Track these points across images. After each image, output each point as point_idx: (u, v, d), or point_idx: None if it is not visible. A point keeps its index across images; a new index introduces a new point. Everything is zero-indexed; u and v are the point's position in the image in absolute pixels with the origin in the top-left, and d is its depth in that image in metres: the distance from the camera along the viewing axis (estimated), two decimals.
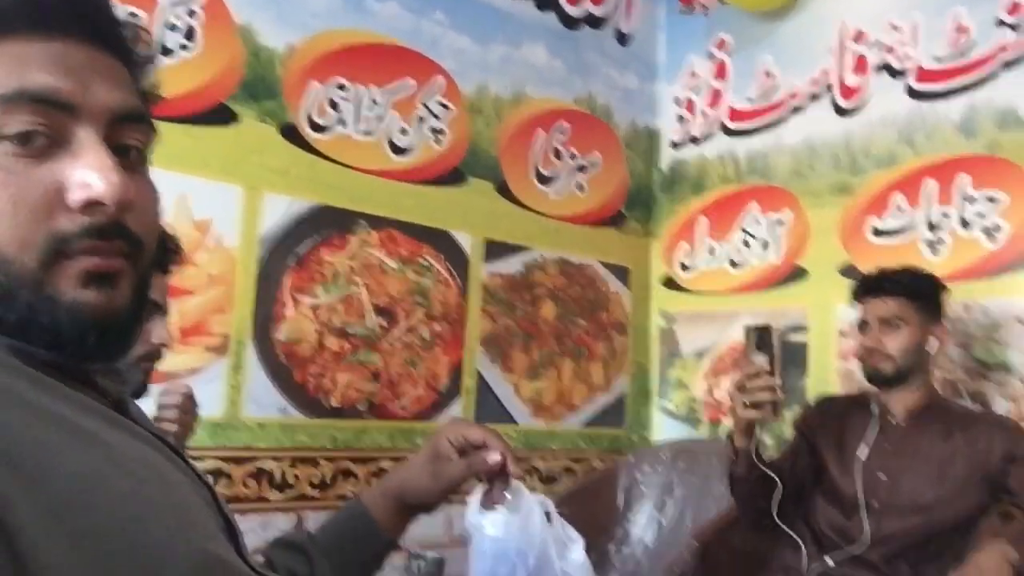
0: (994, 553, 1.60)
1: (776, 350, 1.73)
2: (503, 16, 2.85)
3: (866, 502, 1.87)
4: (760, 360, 1.71)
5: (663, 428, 3.08)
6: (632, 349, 3.14)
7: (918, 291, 1.94)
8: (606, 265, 3.09)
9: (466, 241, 2.70)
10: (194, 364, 2.16)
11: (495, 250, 2.78)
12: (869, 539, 1.82)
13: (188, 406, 1.46)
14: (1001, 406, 2.24)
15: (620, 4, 3.17)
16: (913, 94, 2.55)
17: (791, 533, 1.89)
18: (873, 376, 1.95)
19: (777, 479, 1.81)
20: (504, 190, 2.82)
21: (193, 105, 2.21)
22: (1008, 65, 2.36)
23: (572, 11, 3.03)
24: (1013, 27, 2.35)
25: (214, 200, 2.23)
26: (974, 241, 2.37)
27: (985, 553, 1.61)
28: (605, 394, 3.05)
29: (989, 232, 2.35)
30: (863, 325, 1.98)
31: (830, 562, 1.83)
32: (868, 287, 2.00)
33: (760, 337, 1.73)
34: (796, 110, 2.85)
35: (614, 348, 3.09)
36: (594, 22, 3.10)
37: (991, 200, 2.35)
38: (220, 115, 2.26)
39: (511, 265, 2.83)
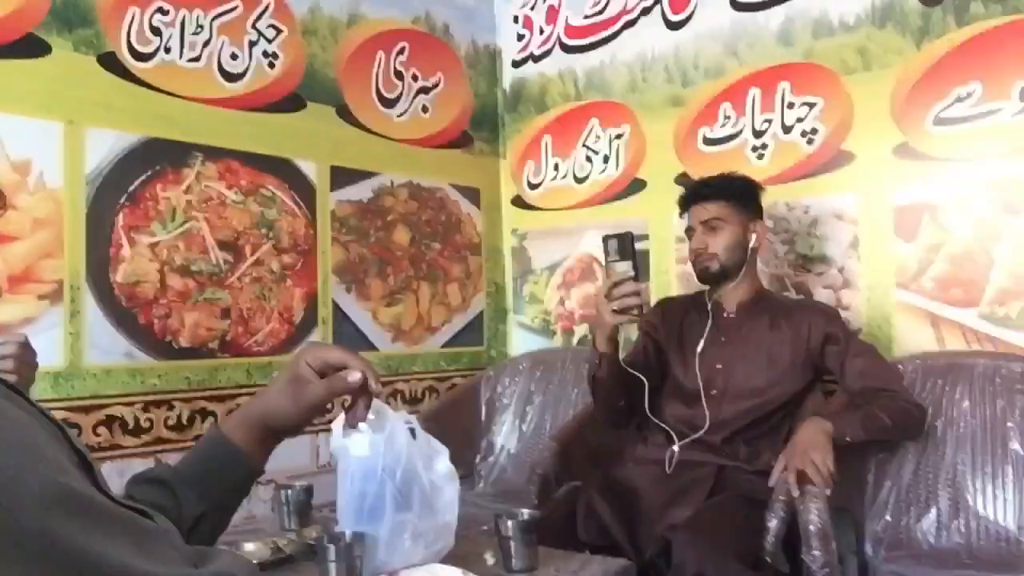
0: (811, 428, 1.79)
1: (636, 256, 1.80)
2: None
3: (706, 392, 2.02)
4: (623, 267, 1.79)
5: (520, 342, 3.19)
6: (486, 268, 3.20)
7: (733, 193, 2.09)
8: (456, 187, 3.11)
9: (311, 169, 2.64)
10: (27, 314, 2.04)
11: (342, 177, 2.74)
12: (710, 425, 1.98)
13: (24, 355, 1.39)
14: (822, 295, 2.45)
15: None
16: (736, 6, 2.67)
17: (663, 425, 2.02)
18: (702, 275, 2.09)
19: (644, 378, 1.92)
20: (346, 114, 2.76)
21: None
22: None
23: None
24: None
25: (32, 138, 2.07)
26: (794, 144, 2.54)
27: (804, 430, 1.80)
28: (463, 314, 3.11)
29: (807, 135, 2.52)
30: (689, 230, 2.12)
31: (676, 448, 1.98)
32: (689, 195, 2.14)
33: (621, 244, 1.80)
34: (629, 24, 2.92)
35: (469, 269, 3.14)
36: None
37: (808, 105, 2.52)
38: (30, 46, 2.09)
39: (360, 191, 2.79)
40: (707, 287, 2.13)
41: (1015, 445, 1.96)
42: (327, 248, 2.67)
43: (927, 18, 2.32)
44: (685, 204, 2.14)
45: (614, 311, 1.78)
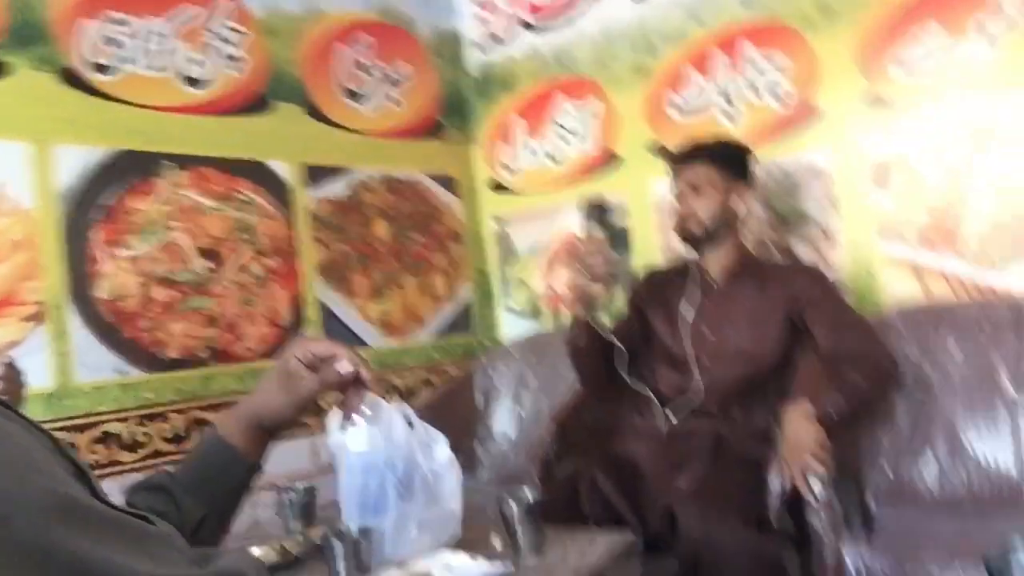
0: (795, 417, 1.76)
1: (610, 222, 1.82)
2: None
3: (696, 358, 2.03)
4: (596, 232, 1.80)
5: (510, 327, 3.18)
6: (470, 256, 3.19)
7: (722, 157, 2.08)
8: (432, 176, 3.09)
9: (284, 169, 2.62)
10: (12, 337, 2.02)
11: (316, 175, 2.72)
12: (703, 392, 1.99)
13: (12, 376, 1.38)
14: (805, 253, 2.46)
15: None
16: None
17: (644, 389, 2.02)
18: (686, 238, 2.10)
19: (619, 344, 1.93)
20: (315, 112, 2.74)
21: None
22: None
23: None
24: None
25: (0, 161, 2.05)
26: (764, 105, 2.54)
27: (789, 422, 1.77)
28: (450, 304, 3.10)
29: (777, 95, 2.52)
30: (675, 192, 2.11)
31: (672, 418, 1.98)
32: (678, 157, 2.13)
33: (594, 211, 1.82)
34: None
35: (452, 258, 3.13)
36: None
37: (774, 64, 2.52)
38: None
39: (336, 188, 2.78)
40: (694, 255, 2.13)
41: (1007, 388, 1.97)
42: (308, 248, 2.66)
43: None
44: (673, 166, 2.14)
45: (585, 276, 1.79)
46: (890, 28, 2.31)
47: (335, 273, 2.73)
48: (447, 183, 3.14)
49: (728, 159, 2.09)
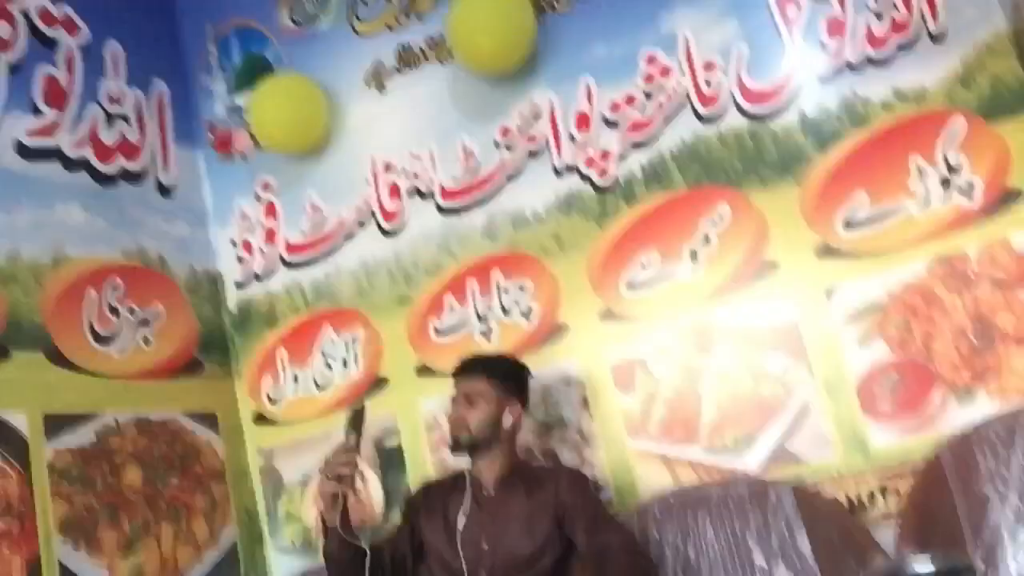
0: None
1: (363, 428, 1.94)
2: (28, 180, 2.67)
3: (472, 567, 2.03)
4: (348, 438, 1.95)
5: (281, 567, 2.99)
6: (234, 495, 3.02)
7: (495, 372, 2.23)
8: (190, 415, 2.96)
9: (20, 421, 2.41)
10: None
11: (58, 425, 2.51)
12: None
13: None
14: (567, 456, 2.61)
15: (156, 157, 3.14)
16: (441, 210, 2.94)
17: None
18: (456, 447, 2.17)
19: (366, 548, 1.94)
20: (57, 358, 2.58)
21: None
22: (509, 178, 2.84)
23: (105, 169, 2.93)
24: (508, 147, 2.85)
25: None
26: (515, 324, 2.77)
27: None
28: (214, 550, 2.88)
29: (524, 314, 2.76)
30: (452, 401, 2.22)
31: None
32: (458, 368, 2.26)
33: (350, 418, 1.98)
34: (347, 236, 3.07)
35: (214, 499, 2.95)
36: (131, 177, 3.03)
37: (520, 288, 2.78)
38: None
39: (80, 437, 2.57)
40: (467, 466, 2.19)
41: (759, 560, 2.14)
42: (47, 505, 2.40)
43: (603, 203, 2.70)
44: (454, 376, 2.25)
45: (327, 478, 1.85)
46: (616, 254, 2.65)
47: (79, 530, 2.47)
48: (206, 420, 3.02)
49: (503, 374, 2.24)
